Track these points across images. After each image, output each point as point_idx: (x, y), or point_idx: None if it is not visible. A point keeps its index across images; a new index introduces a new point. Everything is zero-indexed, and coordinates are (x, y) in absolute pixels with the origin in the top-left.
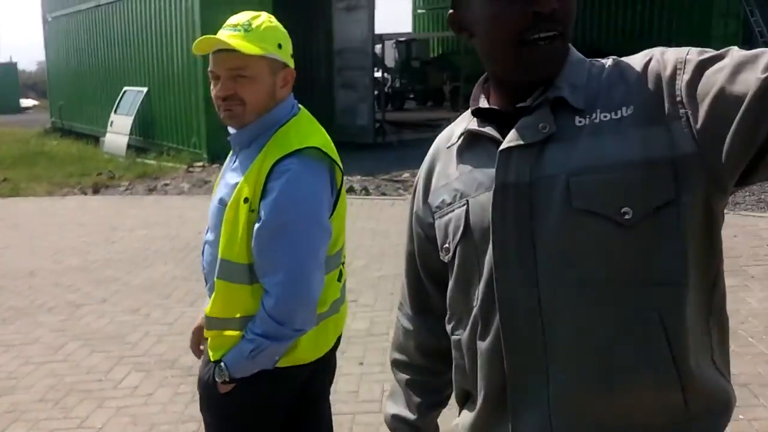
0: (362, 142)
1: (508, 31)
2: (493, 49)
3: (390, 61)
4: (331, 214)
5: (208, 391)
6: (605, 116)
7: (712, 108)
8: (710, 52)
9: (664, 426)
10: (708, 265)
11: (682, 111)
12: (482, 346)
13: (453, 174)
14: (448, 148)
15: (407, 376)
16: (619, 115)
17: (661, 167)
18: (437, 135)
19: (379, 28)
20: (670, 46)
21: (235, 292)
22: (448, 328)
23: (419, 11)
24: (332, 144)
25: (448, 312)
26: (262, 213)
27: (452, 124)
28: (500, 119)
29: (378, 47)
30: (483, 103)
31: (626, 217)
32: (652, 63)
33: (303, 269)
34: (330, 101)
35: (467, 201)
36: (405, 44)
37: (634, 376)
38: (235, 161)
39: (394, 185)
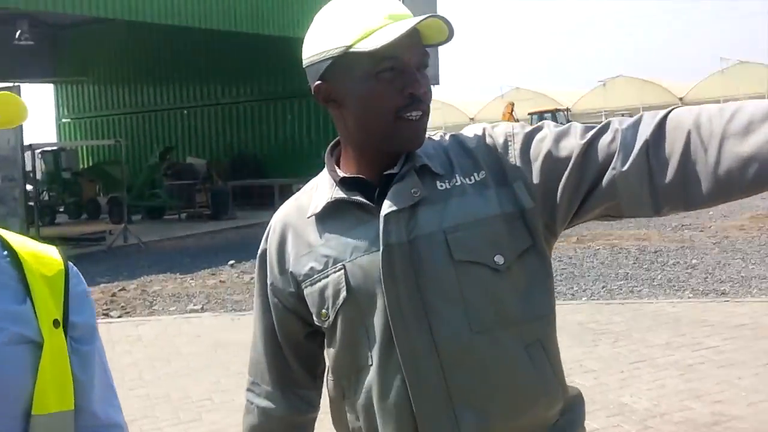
0: None
1: (387, 107)
2: (369, 122)
3: (36, 172)
4: None
5: None
6: (467, 180)
7: (542, 169)
8: (529, 127)
9: (547, 428)
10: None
11: (518, 174)
12: (386, 402)
13: (316, 242)
14: (308, 218)
15: None
16: (474, 180)
17: (516, 219)
18: (100, 248)
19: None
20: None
21: None
22: (334, 393)
23: (64, 120)
24: None
25: (331, 378)
26: (83, 328)
27: (297, 197)
28: (364, 186)
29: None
30: (341, 173)
31: (499, 263)
32: (486, 137)
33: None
34: None
35: (343, 266)
36: (53, 154)
37: (532, 401)
38: None
39: None
